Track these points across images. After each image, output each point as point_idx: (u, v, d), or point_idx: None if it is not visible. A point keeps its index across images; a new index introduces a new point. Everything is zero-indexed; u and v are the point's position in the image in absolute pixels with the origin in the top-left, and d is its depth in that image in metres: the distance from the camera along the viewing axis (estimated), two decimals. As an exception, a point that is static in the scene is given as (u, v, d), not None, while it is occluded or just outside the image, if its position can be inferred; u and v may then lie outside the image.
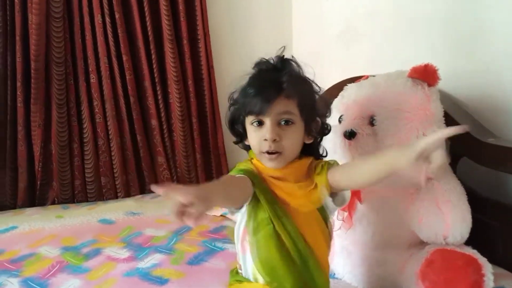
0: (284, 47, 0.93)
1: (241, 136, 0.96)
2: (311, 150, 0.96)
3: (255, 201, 0.88)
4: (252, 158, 0.95)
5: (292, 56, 0.92)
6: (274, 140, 0.85)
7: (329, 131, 0.98)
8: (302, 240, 0.87)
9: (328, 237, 0.93)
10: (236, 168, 0.93)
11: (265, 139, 0.85)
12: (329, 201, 0.89)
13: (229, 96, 0.97)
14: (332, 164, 0.92)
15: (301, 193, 0.88)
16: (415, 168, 0.70)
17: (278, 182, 0.89)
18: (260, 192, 0.87)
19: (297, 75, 0.91)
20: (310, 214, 0.89)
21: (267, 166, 0.89)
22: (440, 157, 0.68)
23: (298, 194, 0.88)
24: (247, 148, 0.97)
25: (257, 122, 0.87)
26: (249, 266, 0.91)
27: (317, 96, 0.94)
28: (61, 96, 1.96)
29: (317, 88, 0.94)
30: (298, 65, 0.92)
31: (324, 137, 1.20)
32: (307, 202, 0.87)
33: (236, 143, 0.99)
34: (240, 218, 0.93)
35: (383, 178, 0.81)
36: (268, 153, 0.86)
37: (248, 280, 0.92)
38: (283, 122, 0.86)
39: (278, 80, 0.87)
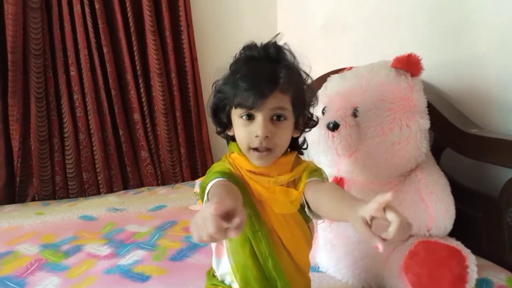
0: (279, 33, 0.85)
1: (224, 126, 0.89)
2: (294, 143, 0.90)
3: None
4: (233, 152, 0.88)
5: (286, 44, 0.84)
6: (266, 137, 0.79)
7: (316, 123, 0.93)
8: (277, 243, 0.82)
9: (310, 237, 0.89)
10: (213, 170, 0.85)
11: (256, 136, 0.78)
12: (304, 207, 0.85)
13: (214, 83, 0.89)
14: (313, 173, 0.86)
15: (280, 190, 0.82)
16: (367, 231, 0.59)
17: (257, 177, 0.84)
18: (241, 191, 0.81)
19: (293, 68, 0.84)
20: (288, 213, 0.84)
21: (255, 164, 0.83)
22: (395, 221, 0.57)
23: (277, 190, 0.82)
24: (229, 139, 0.91)
25: (246, 116, 0.80)
26: (225, 270, 0.88)
27: (307, 87, 0.87)
28: (40, 90, 1.91)
29: (309, 80, 0.87)
30: (293, 55, 0.84)
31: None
32: (286, 202, 0.82)
33: (218, 133, 0.93)
34: None
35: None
36: (258, 150, 0.80)
37: (223, 284, 0.89)
38: (275, 117, 0.80)
39: (274, 73, 0.79)
